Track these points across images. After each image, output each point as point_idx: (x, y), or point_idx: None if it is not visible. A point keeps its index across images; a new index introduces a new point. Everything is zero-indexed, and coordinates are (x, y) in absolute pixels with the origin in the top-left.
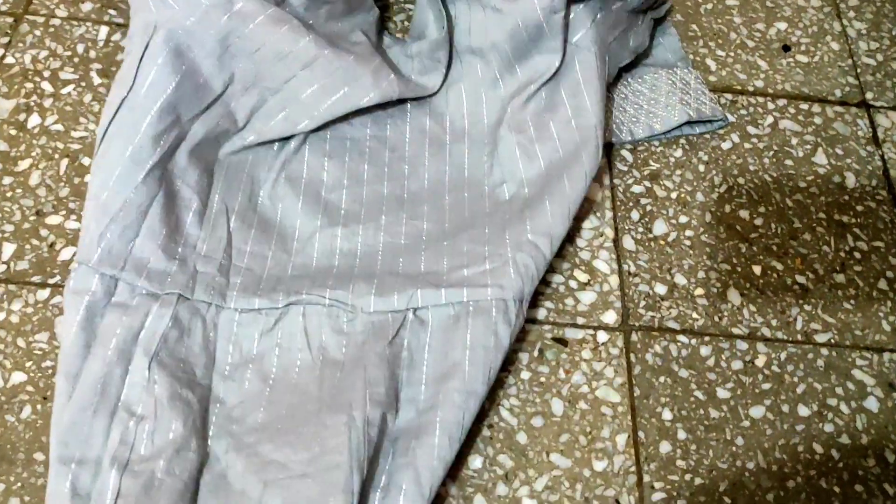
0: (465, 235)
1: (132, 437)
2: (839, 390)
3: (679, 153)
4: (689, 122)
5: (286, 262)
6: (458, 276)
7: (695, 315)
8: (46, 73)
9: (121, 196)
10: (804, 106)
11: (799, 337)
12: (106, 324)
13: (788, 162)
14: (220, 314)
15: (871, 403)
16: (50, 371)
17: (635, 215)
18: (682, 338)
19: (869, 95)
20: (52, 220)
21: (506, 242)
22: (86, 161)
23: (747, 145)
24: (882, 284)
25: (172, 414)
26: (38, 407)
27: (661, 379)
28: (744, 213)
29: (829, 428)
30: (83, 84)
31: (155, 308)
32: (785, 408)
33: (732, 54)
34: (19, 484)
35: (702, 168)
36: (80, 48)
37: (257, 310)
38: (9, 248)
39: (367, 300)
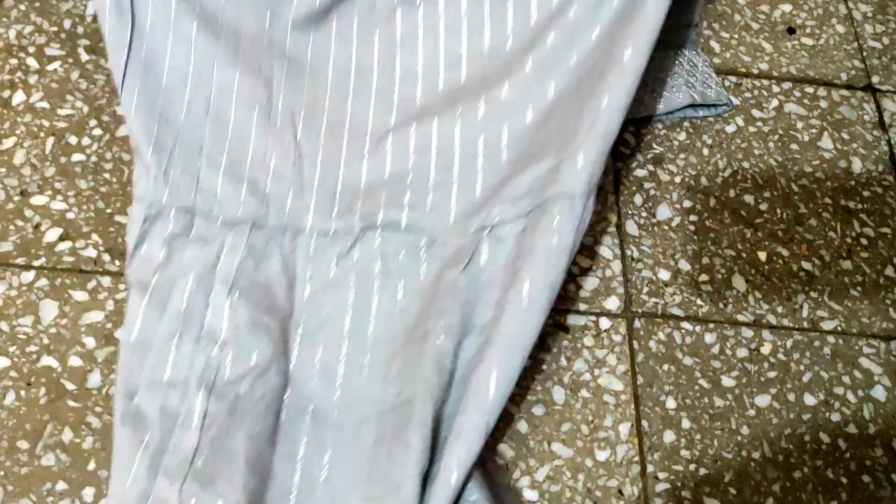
0: (540, 130)
1: (216, 362)
2: (846, 379)
3: (683, 136)
4: (694, 105)
5: (359, 169)
6: (527, 180)
7: (699, 301)
8: (32, 49)
9: (173, 128)
10: (809, 89)
11: (805, 324)
12: (186, 258)
13: (794, 146)
14: (296, 239)
15: (879, 392)
16: (35, 356)
17: (638, 200)
18: (686, 325)
19: (875, 79)
20: (37, 200)
21: (570, 135)
22: (72, 140)
23: (752, 129)
24: (889, 271)
25: (253, 340)
26: (22, 393)
27: (665, 367)
28: (749, 198)
29: (835, 417)
30: (70, 60)
31: (229, 238)
32: (791, 396)
33: (737, 36)
34: (2, 473)
35: (706, 152)
36: (66, 23)
37: (334, 232)
38: None
39: (444, 221)
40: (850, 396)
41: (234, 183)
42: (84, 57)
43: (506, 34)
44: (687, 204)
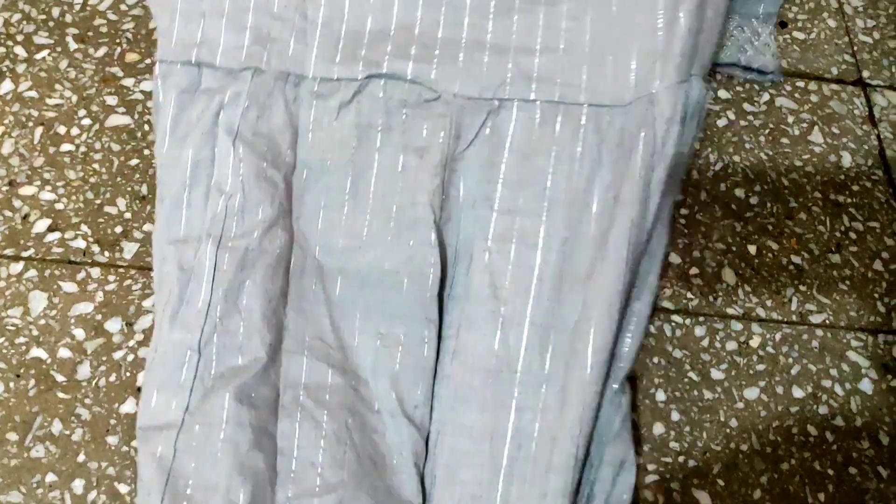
0: (563, 4)
1: (223, 213)
2: (833, 372)
3: None
4: (742, 67)
5: (365, 13)
6: (550, 64)
7: (689, 295)
8: (20, 38)
9: None
10: (800, 83)
11: (794, 317)
12: (194, 111)
13: (784, 140)
14: (299, 86)
15: (866, 385)
16: (24, 347)
17: None
18: (676, 318)
19: (865, 74)
20: (26, 190)
21: (609, 28)
22: (61, 129)
23: (743, 123)
24: (877, 265)
25: (260, 194)
26: (11, 385)
27: (655, 359)
28: (739, 192)
29: (823, 410)
30: (59, 49)
31: (232, 87)
32: (779, 389)
33: (730, 29)
34: None
35: (697, 145)
36: (55, 12)
37: (336, 79)
38: None
39: (451, 81)
40: (838, 389)
41: (236, 30)
42: (73, 46)
43: None
44: (678, 197)
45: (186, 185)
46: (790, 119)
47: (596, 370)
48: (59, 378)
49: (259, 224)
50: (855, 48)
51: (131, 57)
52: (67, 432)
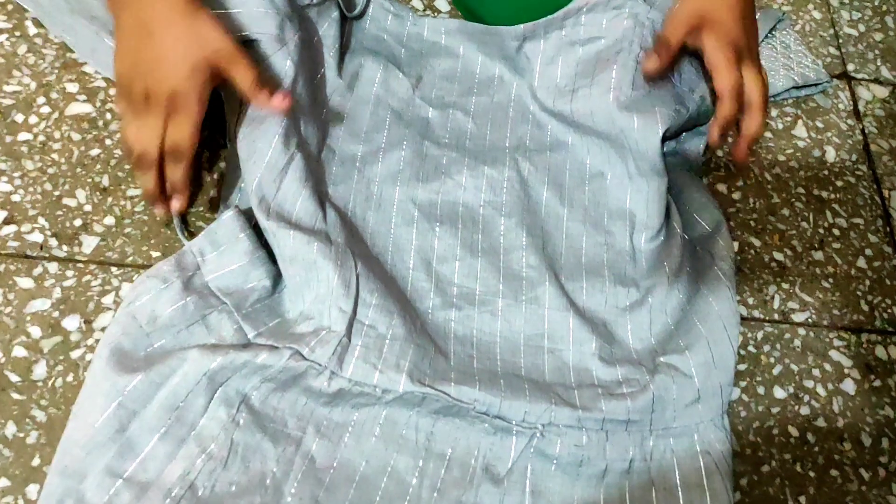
0: (591, 344)
1: (195, 474)
2: (816, 372)
3: None
4: (797, 87)
5: (409, 328)
6: (591, 395)
7: None
8: None
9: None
10: None
11: (776, 316)
12: (205, 348)
13: (768, 134)
14: (332, 381)
15: (848, 385)
16: None
17: None
18: None
19: (850, 67)
20: None
21: (637, 360)
22: (19, 118)
23: None
24: (861, 262)
25: (243, 464)
26: None
27: None
28: (721, 187)
29: (805, 410)
30: (17, 34)
31: (263, 356)
32: (761, 389)
33: None
34: None
35: None
36: None
37: (374, 386)
38: None
39: (493, 401)
40: (820, 389)
41: (299, 319)
42: (32, 30)
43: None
44: None
45: (164, 425)
46: (774, 112)
47: None
48: (14, 378)
49: (229, 497)
50: (840, 41)
51: None
52: (22, 435)
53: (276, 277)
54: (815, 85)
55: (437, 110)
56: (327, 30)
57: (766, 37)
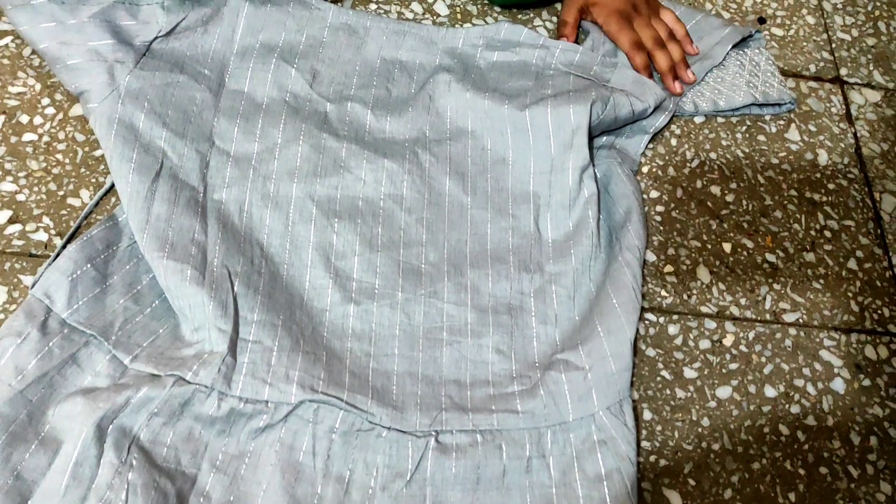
0: (489, 337)
1: None
2: (806, 371)
3: None
4: (756, 104)
5: (297, 337)
6: (483, 396)
7: (663, 293)
8: None
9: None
10: None
11: (767, 316)
12: (86, 398)
13: (761, 137)
14: (221, 402)
15: (838, 385)
16: None
17: None
18: (650, 316)
19: (843, 71)
20: None
21: (533, 355)
22: (24, 118)
23: (720, 119)
24: (852, 264)
25: (144, 502)
26: None
27: None
28: (715, 189)
29: (795, 409)
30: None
31: (145, 389)
32: (752, 388)
33: None
34: None
35: (674, 142)
36: None
37: (265, 402)
38: None
39: (385, 412)
40: (810, 388)
41: (183, 346)
42: None
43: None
44: (654, 194)
45: (64, 487)
46: (767, 116)
47: None
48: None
49: None
50: (833, 45)
51: None
52: None
53: (139, 294)
54: (778, 105)
55: (335, 104)
56: (203, 37)
57: (738, 52)
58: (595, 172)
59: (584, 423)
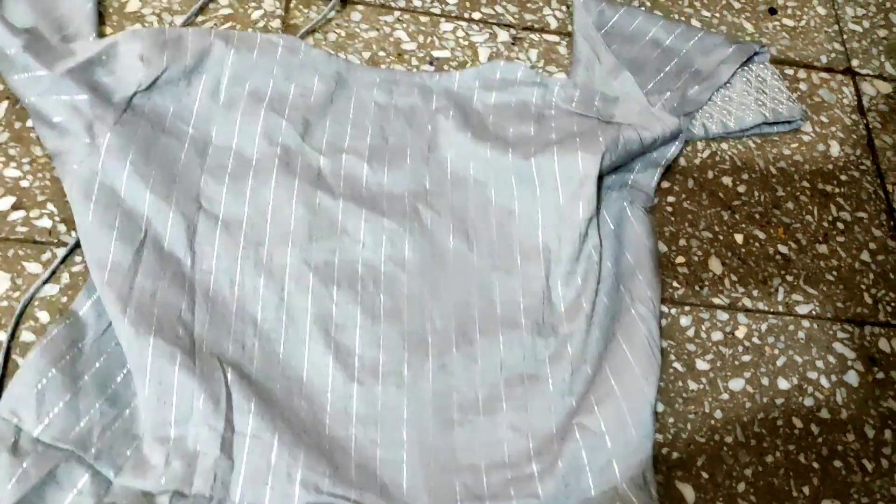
0: (503, 413)
1: None
2: (819, 363)
3: None
4: (768, 123)
5: (298, 428)
6: (500, 480)
7: (675, 284)
8: None
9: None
10: (790, 71)
11: (780, 308)
12: None
13: (773, 128)
14: None
15: (852, 377)
16: None
17: None
18: (661, 307)
19: (854, 63)
20: None
21: (550, 428)
22: None
23: None
24: (865, 256)
25: None
26: None
27: None
28: (727, 180)
29: (808, 402)
30: None
31: None
32: (765, 381)
33: (718, 15)
34: None
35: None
36: None
37: None
38: None
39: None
40: (824, 381)
41: (159, 444)
42: None
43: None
44: (665, 185)
45: None
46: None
47: None
48: (22, 362)
49: None
50: (844, 37)
51: (102, 31)
52: None
53: (114, 394)
54: (788, 122)
55: (329, 157)
56: (187, 90)
57: (742, 69)
58: (605, 216)
59: (606, 496)
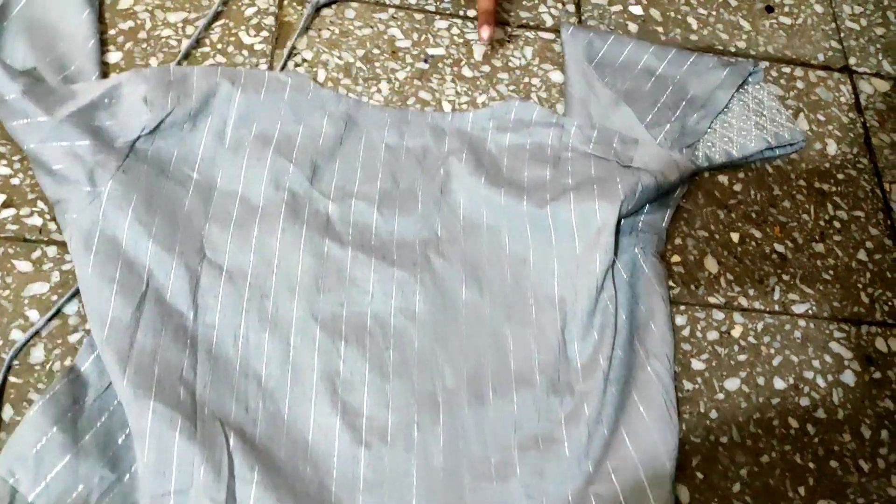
0: (517, 479)
1: None
2: (816, 363)
3: None
4: (771, 148)
5: (303, 496)
6: None
7: (671, 283)
8: None
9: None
10: (786, 69)
11: (776, 307)
12: None
13: None
14: None
15: (848, 377)
16: None
17: None
18: None
19: (852, 61)
20: None
21: (566, 495)
22: None
23: None
24: (861, 255)
25: None
26: None
27: None
28: (722, 179)
29: (805, 402)
30: None
31: None
32: (760, 380)
33: (714, 13)
34: None
35: None
36: None
37: None
38: None
39: None
40: (820, 381)
41: None
42: None
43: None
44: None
45: None
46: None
47: None
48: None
49: None
50: (842, 34)
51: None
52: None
53: (115, 458)
54: (790, 145)
55: (338, 203)
56: (192, 134)
57: (738, 91)
58: (618, 266)
59: None
